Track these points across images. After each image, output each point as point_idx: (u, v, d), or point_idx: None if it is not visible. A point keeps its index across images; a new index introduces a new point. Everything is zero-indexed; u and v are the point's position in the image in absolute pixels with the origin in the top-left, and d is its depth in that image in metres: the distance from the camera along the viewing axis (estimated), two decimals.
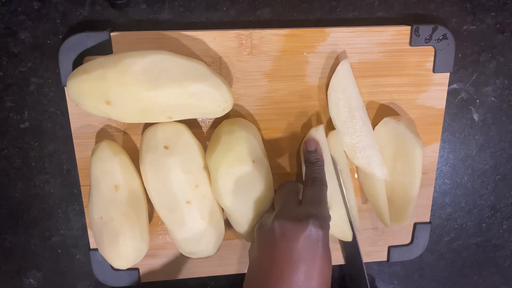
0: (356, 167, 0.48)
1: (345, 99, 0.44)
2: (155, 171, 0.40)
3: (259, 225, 0.39)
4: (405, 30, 0.44)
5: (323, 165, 0.43)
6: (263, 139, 0.46)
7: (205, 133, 0.45)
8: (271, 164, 0.46)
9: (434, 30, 0.44)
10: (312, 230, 0.35)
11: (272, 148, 0.46)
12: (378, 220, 0.50)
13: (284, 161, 0.47)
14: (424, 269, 0.57)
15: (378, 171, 0.45)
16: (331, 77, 0.44)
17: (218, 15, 0.44)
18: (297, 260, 0.34)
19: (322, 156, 0.43)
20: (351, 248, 0.49)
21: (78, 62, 0.40)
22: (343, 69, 0.43)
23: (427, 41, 0.45)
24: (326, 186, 0.41)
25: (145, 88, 0.36)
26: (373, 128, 0.47)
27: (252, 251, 0.39)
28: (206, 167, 0.42)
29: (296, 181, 0.44)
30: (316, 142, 0.43)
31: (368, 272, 0.56)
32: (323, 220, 0.36)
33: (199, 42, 0.42)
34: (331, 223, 0.38)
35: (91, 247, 0.47)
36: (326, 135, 0.45)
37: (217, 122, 0.45)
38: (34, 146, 0.45)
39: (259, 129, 0.45)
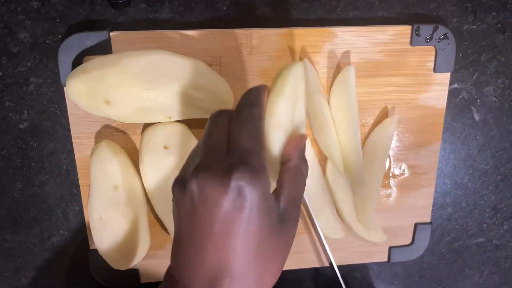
0: None
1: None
2: (155, 171, 0.40)
3: (176, 181, 0.27)
4: (406, 29, 0.44)
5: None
6: None
7: None
8: None
9: (434, 29, 0.44)
10: (237, 188, 0.24)
11: None
12: (378, 220, 0.49)
13: None
14: (425, 270, 0.57)
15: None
16: (331, 77, 0.44)
17: (218, 15, 0.44)
18: (221, 235, 0.24)
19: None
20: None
21: (77, 61, 0.40)
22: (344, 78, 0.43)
23: (428, 40, 0.44)
24: (263, 118, 0.29)
25: (144, 88, 0.36)
26: (373, 128, 0.47)
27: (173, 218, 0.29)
28: None
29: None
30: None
31: (368, 273, 0.56)
32: (253, 171, 0.24)
33: (199, 42, 0.42)
34: None
35: (91, 247, 0.47)
36: None
37: None
38: (33, 146, 0.45)
39: None
